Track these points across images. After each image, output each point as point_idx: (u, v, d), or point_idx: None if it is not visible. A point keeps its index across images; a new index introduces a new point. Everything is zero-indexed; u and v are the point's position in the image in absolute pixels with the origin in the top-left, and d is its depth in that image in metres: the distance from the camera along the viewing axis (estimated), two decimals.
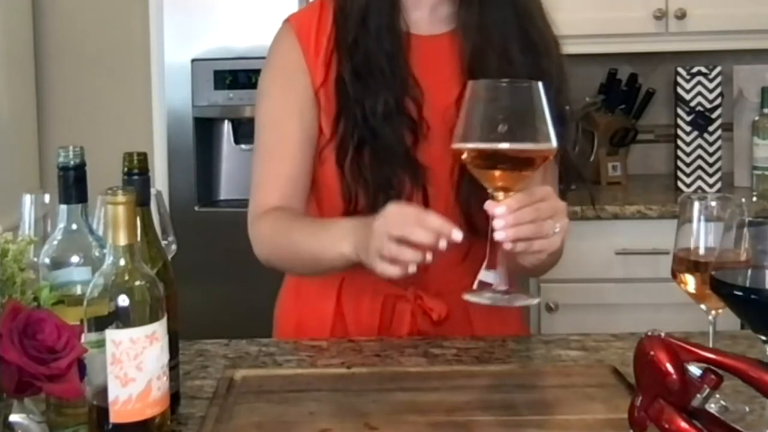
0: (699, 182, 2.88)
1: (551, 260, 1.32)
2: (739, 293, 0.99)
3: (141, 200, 1.04)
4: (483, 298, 1.15)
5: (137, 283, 0.96)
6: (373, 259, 1.18)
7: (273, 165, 1.44)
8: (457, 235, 1.13)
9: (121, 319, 0.95)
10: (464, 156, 1.14)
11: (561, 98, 1.40)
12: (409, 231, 1.14)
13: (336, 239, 1.29)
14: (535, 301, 1.27)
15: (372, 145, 1.36)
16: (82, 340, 0.92)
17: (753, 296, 0.99)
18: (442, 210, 1.28)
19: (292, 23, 1.46)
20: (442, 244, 1.13)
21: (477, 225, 1.33)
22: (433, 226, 1.14)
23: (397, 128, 1.36)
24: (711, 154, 2.88)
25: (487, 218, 1.17)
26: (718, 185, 2.88)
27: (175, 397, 1.09)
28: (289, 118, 1.43)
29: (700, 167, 2.89)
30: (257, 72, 2.71)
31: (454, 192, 1.39)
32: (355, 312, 1.46)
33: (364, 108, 1.36)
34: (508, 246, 1.12)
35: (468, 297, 1.15)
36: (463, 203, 1.37)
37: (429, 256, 1.15)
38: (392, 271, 1.16)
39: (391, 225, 1.16)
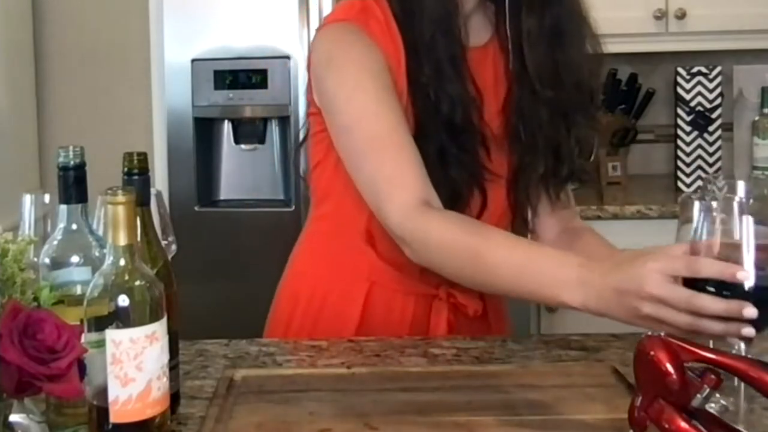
0: (699, 182, 2.88)
1: None
2: (712, 289, 0.99)
3: (141, 200, 1.04)
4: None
5: (137, 283, 0.96)
6: (634, 320, 1.08)
7: (393, 155, 1.32)
8: (750, 312, 0.98)
9: (121, 319, 0.95)
10: None
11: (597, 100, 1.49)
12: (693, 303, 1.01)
13: (557, 285, 1.14)
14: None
15: (449, 152, 1.36)
16: (82, 340, 0.92)
17: (725, 293, 0.99)
18: (497, 214, 1.42)
19: (360, 25, 1.38)
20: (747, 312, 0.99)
21: (520, 212, 1.48)
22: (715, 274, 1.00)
23: (470, 136, 1.38)
24: (711, 154, 2.89)
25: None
26: None
27: (175, 397, 1.09)
28: (391, 110, 1.34)
29: (700, 167, 2.89)
30: (257, 72, 2.76)
31: (507, 196, 1.46)
32: (386, 314, 1.45)
33: (441, 116, 1.36)
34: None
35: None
36: (514, 207, 1.47)
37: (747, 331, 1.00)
38: (659, 328, 1.04)
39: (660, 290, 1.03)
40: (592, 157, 3.02)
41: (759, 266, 0.98)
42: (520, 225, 1.48)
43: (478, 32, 1.45)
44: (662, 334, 0.94)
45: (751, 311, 0.97)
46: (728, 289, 0.99)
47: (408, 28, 1.38)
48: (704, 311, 1.00)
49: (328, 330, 1.46)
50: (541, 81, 1.41)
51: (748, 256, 0.99)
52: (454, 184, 1.36)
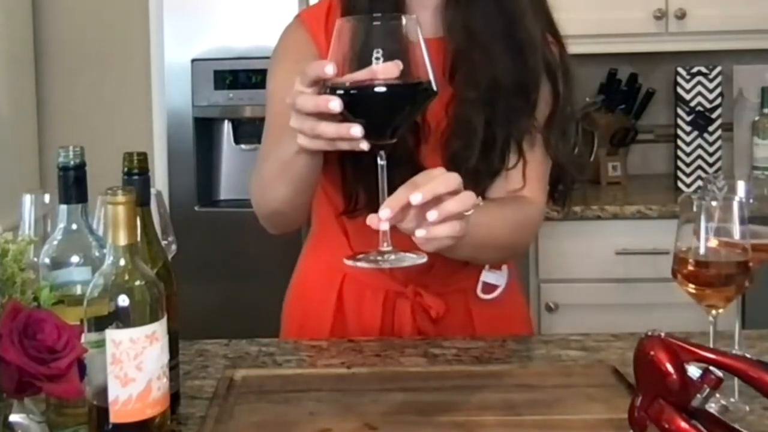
0: (699, 182, 2.88)
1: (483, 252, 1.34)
2: (341, 91, 1.00)
3: (141, 200, 1.04)
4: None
5: (137, 283, 0.96)
6: (295, 137, 1.10)
7: (277, 135, 1.36)
8: (335, 105, 1.00)
9: (121, 319, 0.95)
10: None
11: (560, 98, 1.40)
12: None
13: (290, 141, 1.15)
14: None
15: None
16: (82, 340, 0.92)
17: (353, 91, 0.99)
18: None
19: (302, 18, 1.48)
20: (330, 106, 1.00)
21: None
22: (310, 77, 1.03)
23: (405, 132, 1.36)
24: (711, 154, 2.89)
25: None
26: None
27: (175, 397, 1.09)
28: None
29: (700, 167, 2.89)
30: (257, 72, 2.76)
31: None
32: (356, 310, 1.47)
33: None
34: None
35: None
36: None
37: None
38: (311, 144, 1.07)
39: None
40: (593, 157, 3.05)
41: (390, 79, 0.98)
42: None
43: (439, 24, 1.41)
44: (662, 334, 0.94)
45: (334, 103, 0.99)
46: (356, 92, 0.99)
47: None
48: (302, 109, 1.03)
49: (310, 322, 1.49)
50: (467, 81, 1.36)
51: (373, 64, 0.99)
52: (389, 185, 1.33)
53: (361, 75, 0.99)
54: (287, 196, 1.31)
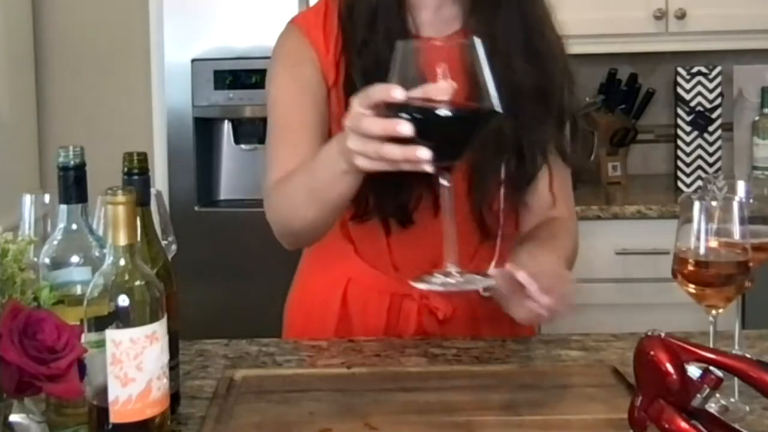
0: (699, 182, 2.88)
1: None
2: (406, 115, 0.98)
3: (141, 200, 1.04)
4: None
5: (137, 283, 0.96)
6: (352, 158, 1.08)
7: (284, 143, 1.40)
8: (405, 129, 0.98)
9: (121, 319, 0.95)
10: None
11: (568, 101, 1.40)
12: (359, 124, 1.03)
13: (333, 162, 1.16)
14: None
15: None
16: (82, 340, 0.92)
17: (417, 114, 0.98)
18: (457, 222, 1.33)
19: (298, 23, 1.46)
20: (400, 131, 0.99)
21: (487, 227, 1.39)
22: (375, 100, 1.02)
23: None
24: (711, 154, 2.89)
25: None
26: None
27: (175, 397, 1.09)
28: (298, 97, 1.40)
29: (700, 167, 2.89)
30: (257, 72, 2.76)
31: (465, 194, 1.38)
32: (361, 312, 1.46)
33: None
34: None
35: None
36: (475, 206, 1.39)
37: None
38: (371, 165, 1.06)
39: (354, 120, 1.05)
40: (592, 157, 3.05)
41: (455, 100, 0.98)
42: (484, 226, 1.40)
43: (443, 23, 1.41)
44: (662, 334, 0.94)
45: (404, 127, 0.97)
46: (422, 115, 0.98)
47: (348, 24, 1.39)
48: (367, 132, 1.02)
49: (313, 326, 1.48)
50: (513, 68, 1.34)
51: (436, 85, 0.98)
52: (394, 182, 1.30)
53: (414, 95, 0.98)
54: (317, 221, 1.30)
